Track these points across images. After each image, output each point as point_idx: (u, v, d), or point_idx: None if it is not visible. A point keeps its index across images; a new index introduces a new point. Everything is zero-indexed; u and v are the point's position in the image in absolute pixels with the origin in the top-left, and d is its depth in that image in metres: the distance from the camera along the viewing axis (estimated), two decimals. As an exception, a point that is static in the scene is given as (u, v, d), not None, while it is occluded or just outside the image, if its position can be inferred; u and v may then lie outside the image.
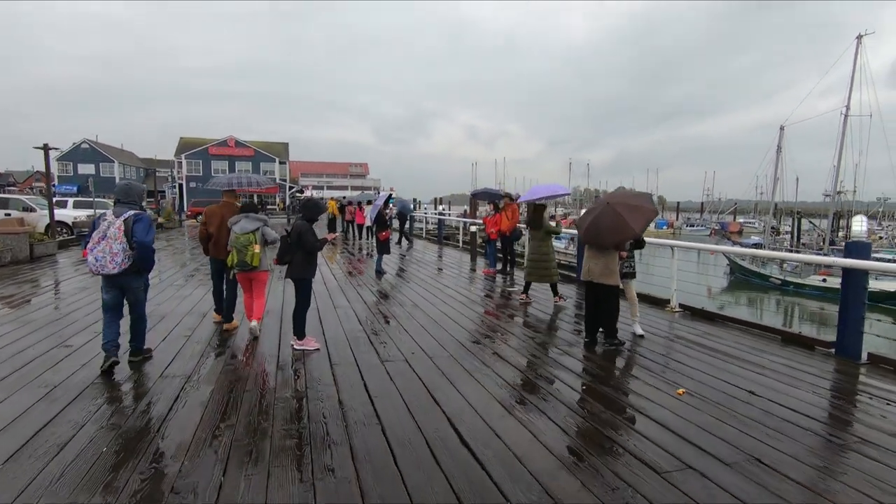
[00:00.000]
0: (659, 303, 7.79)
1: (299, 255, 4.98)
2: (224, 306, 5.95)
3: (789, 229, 46.33)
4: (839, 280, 5.08)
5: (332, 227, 23.67)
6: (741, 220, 74.38)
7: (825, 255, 27.99)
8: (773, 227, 59.25)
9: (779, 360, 5.04)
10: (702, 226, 70.08)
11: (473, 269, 11.75)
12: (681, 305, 7.37)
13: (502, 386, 4.18)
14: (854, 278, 4.89)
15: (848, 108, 37.55)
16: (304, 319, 5.13)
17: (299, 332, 5.09)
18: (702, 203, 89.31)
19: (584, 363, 4.83)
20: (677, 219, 79.26)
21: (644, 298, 7.86)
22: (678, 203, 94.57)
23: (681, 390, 4.13)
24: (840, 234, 38.90)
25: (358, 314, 6.71)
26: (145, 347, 4.78)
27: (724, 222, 71.57)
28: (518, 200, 8.26)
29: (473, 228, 13.96)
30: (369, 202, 20.60)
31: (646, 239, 7.19)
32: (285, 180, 57.81)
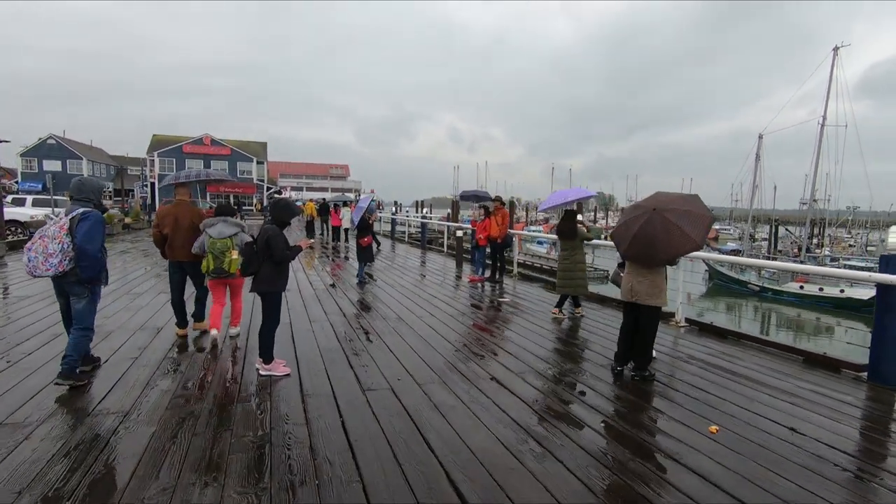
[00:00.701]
0: (661, 316, 7.27)
1: (267, 266, 4.25)
2: (197, 304, 5.69)
3: (765, 236, 47.17)
4: (816, 287, 4.61)
5: (310, 230, 22.83)
6: (717, 227, 76.10)
7: (801, 262, 28.30)
8: (750, 235, 60.56)
9: (807, 385, 4.52)
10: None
11: (459, 276, 11.11)
12: (687, 320, 6.85)
13: (507, 425, 3.53)
14: (892, 296, 4.40)
15: (824, 117, 38.26)
16: (273, 339, 4.40)
17: (266, 355, 4.36)
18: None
19: (604, 396, 4.20)
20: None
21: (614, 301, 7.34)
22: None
23: (714, 427, 3.55)
24: (814, 241, 39.68)
25: (336, 329, 5.99)
26: (79, 371, 4.03)
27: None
28: (540, 209, 7.53)
29: (459, 233, 13.35)
30: (345, 203, 19.81)
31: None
32: (263, 181, 56.36)
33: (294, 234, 24.93)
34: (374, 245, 16.69)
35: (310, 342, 5.43)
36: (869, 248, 40.20)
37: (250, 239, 4.80)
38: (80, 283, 3.88)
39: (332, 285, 9.11)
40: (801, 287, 23.64)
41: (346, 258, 14.38)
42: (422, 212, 43.98)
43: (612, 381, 4.51)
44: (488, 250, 10.46)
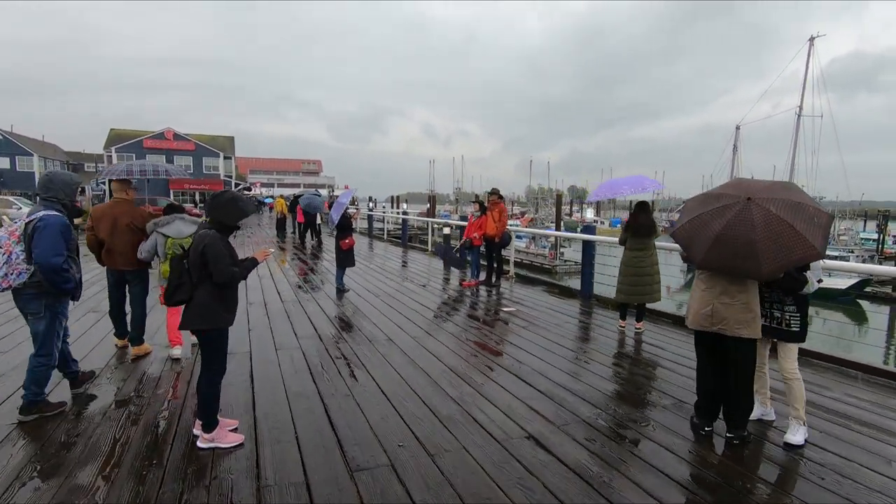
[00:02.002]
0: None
1: (204, 290, 2.91)
2: (134, 325, 4.69)
3: None
4: None
5: (281, 228, 21.21)
6: (689, 220, 77.33)
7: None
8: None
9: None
10: (652, 224, 72.16)
11: (447, 279, 9.86)
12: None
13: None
14: None
15: (801, 108, 38.47)
16: (217, 395, 3.07)
17: (207, 419, 3.01)
18: (652, 202, 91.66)
19: (693, 465, 3.01)
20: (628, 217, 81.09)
21: (662, 316, 6.28)
22: (630, 202, 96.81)
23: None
24: None
25: (310, 361, 4.65)
26: (41, 400, 3.40)
27: (673, 220, 74.04)
28: (589, 200, 6.08)
29: (446, 231, 12.09)
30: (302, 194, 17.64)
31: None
32: (231, 177, 53.78)
33: (264, 232, 23.03)
34: (314, 240, 15.25)
35: (273, 383, 4.09)
36: (841, 238, 40.66)
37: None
38: (36, 297, 3.28)
39: (300, 286, 7.73)
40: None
41: (314, 255, 12.96)
42: (400, 207, 42.48)
43: (698, 441, 3.29)
44: (483, 250, 9.23)
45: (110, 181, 5.17)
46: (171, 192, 48.53)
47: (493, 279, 9.13)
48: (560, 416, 3.59)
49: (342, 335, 5.56)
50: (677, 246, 3.45)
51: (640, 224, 5.74)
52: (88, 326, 5.64)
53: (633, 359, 5.00)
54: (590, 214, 61.86)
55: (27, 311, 3.34)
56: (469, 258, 9.28)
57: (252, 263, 3.12)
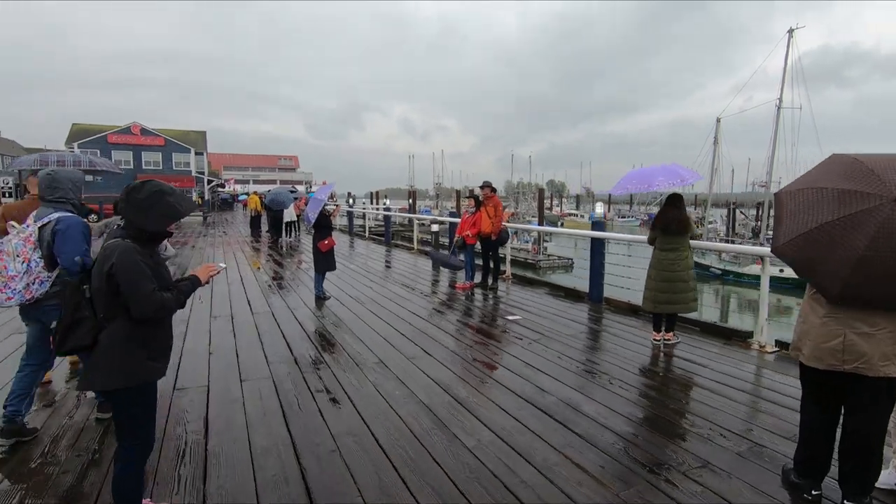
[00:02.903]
0: (719, 333, 5.45)
1: (113, 330, 1.97)
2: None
3: (712, 220, 48.23)
4: (777, 269, 2.93)
5: (255, 226, 20.02)
6: (665, 213, 78.05)
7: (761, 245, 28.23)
8: (700, 217, 61.82)
9: None
10: (632, 217, 72.65)
11: (437, 281, 8.99)
12: (778, 343, 5.03)
13: None
14: None
15: (781, 100, 38.65)
16: (138, 486, 2.13)
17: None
18: (630, 195, 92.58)
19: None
20: (609, 210, 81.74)
21: (688, 323, 5.53)
22: (609, 195, 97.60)
23: None
24: (758, 223, 40.53)
25: (284, 399, 3.71)
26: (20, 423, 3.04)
27: (651, 213, 74.73)
28: (614, 192, 5.03)
29: (435, 228, 11.19)
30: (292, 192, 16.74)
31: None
32: (203, 173, 51.71)
33: (237, 230, 21.59)
34: (283, 238, 14.13)
35: (235, 434, 3.15)
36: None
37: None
38: (58, 308, 2.71)
39: (273, 292, 6.75)
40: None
41: (289, 251, 11.93)
42: (381, 203, 41.28)
43: None
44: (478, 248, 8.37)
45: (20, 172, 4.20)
46: (140, 189, 46.39)
47: (490, 281, 8.29)
48: (609, 464, 2.75)
49: (323, 358, 4.63)
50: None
51: (670, 220, 4.89)
52: (10, 352, 4.59)
53: (680, 382, 4.20)
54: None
55: (44, 322, 3.07)
56: (462, 258, 8.41)
57: (191, 285, 2.19)
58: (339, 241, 16.79)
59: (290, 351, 4.78)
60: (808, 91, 37.72)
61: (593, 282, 7.10)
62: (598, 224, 7.12)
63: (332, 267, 7.35)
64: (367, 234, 18.20)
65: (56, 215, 2.97)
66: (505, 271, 9.06)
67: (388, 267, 10.73)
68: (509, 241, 8.59)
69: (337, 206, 7.27)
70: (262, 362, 4.49)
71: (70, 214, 3.02)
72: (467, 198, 8.46)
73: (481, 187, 8.23)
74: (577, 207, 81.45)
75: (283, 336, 5.33)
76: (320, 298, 7.18)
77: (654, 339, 5.14)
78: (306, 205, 8.30)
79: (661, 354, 4.84)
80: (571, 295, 7.65)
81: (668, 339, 5.06)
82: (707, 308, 16.34)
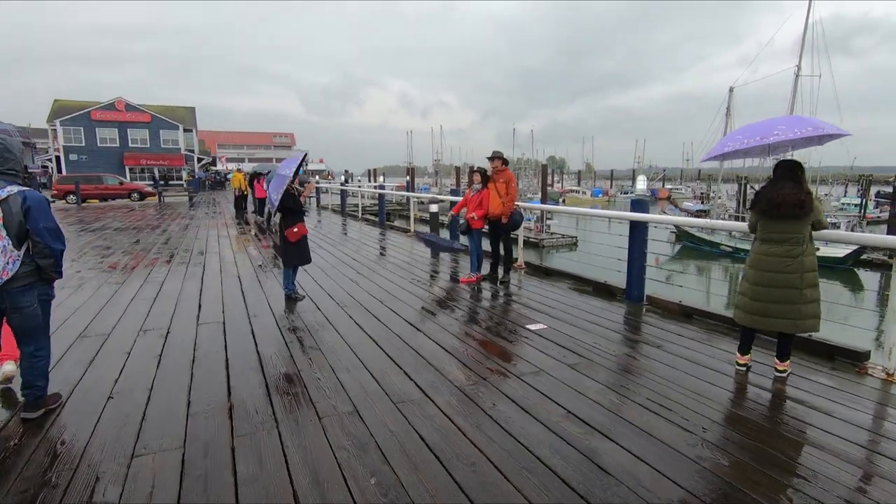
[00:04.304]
0: (814, 350, 4.01)
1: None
2: None
3: (719, 195, 46.82)
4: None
5: (239, 206, 18.53)
6: (669, 187, 76.71)
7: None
8: (702, 193, 60.09)
9: None
10: (634, 193, 71.27)
11: (437, 272, 7.57)
12: (914, 371, 3.60)
13: None
14: None
15: (799, 67, 36.65)
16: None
17: None
18: (633, 171, 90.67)
19: None
20: (611, 187, 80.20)
21: (761, 335, 4.07)
22: (612, 171, 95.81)
23: None
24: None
25: (241, 472, 2.33)
26: (51, 394, 3.10)
27: (654, 189, 73.42)
28: (706, 157, 3.24)
29: (434, 208, 9.68)
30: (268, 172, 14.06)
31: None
32: (193, 151, 49.79)
33: (224, 210, 19.83)
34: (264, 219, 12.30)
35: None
36: (832, 204, 39.95)
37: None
38: (29, 289, 2.87)
39: (238, 277, 5.33)
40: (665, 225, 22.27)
41: (261, 232, 10.49)
42: (376, 181, 39.50)
43: None
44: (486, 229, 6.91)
45: None
46: (127, 168, 44.61)
47: (501, 273, 6.85)
48: None
49: (272, 407, 3.19)
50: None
51: (780, 199, 3.33)
52: None
53: (794, 440, 2.79)
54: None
55: (18, 307, 2.86)
56: (467, 245, 6.94)
57: None
58: (331, 222, 15.32)
59: (229, 394, 3.34)
60: (829, 58, 35.46)
61: (632, 277, 5.65)
62: (639, 204, 5.62)
63: (306, 259, 5.88)
64: (360, 215, 16.68)
65: (15, 189, 2.81)
66: (517, 260, 7.61)
67: (381, 254, 9.27)
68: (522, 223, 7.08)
69: (309, 181, 5.76)
70: (216, 384, 3.12)
71: (28, 189, 2.87)
72: (472, 172, 6.92)
73: (490, 158, 6.70)
74: (579, 184, 79.51)
75: (242, 349, 3.94)
76: (292, 299, 5.76)
77: (739, 364, 3.71)
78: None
79: (759, 388, 3.42)
80: (601, 291, 6.22)
81: (779, 369, 3.60)
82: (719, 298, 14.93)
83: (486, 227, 6.81)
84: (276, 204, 5.42)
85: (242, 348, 4.17)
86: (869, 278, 19.97)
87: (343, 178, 49.95)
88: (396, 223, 16.78)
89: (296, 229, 5.63)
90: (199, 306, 5.50)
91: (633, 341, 4.44)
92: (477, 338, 4.50)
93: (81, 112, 44.06)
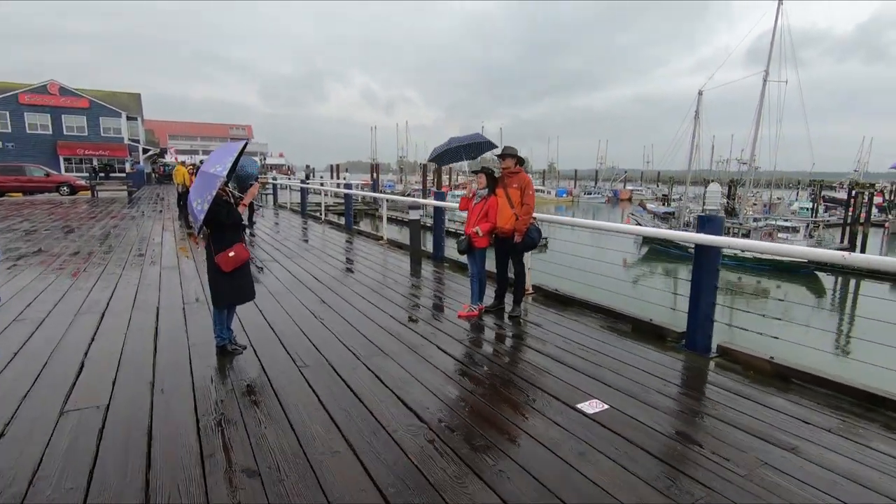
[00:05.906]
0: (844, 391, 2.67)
1: None
2: None
3: (677, 197, 47.22)
4: None
5: (184, 208, 16.17)
6: (630, 188, 77.97)
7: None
8: (664, 195, 60.87)
9: None
10: (598, 194, 71.88)
11: (420, 297, 5.95)
12: None
13: None
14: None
15: (767, 72, 36.91)
16: None
17: None
18: (596, 171, 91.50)
19: None
20: (575, 187, 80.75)
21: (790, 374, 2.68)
22: (575, 171, 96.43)
23: None
24: (724, 201, 39.48)
25: None
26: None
27: (615, 190, 74.32)
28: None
29: (415, 214, 8.01)
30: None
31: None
32: (138, 141, 45.90)
33: (165, 206, 17.01)
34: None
35: None
36: (791, 208, 40.95)
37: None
38: None
39: (158, 313, 3.53)
40: (742, 250, 22.01)
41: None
42: (341, 178, 37.13)
43: None
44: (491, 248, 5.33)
45: None
46: (61, 158, 40.46)
47: (510, 306, 5.30)
48: None
49: None
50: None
51: None
52: None
53: None
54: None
55: None
56: (474, 271, 5.33)
57: None
58: (290, 224, 13.30)
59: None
60: (795, 64, 35.84)
61: (697, 318, 4.19)
62: (710, 223, 4.14)
63: (246, 295, 4.10)
64: (323, 216, 14.76)
65: None
66: (527, 288, 6.05)
67: (348, 270, 7.54)
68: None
69: (252, 184, 4.00)
70: None
71: None
72: (474, 172, 5.33)
73: (500, 156, 5.13)
74: (543, 184, 79.19)
75: (157, 439, 2.18)
76: (226, 352, 4.00)
77: None
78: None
79: None
80: (645, 333, 4.75)
81: None
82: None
83: (493, 244, 5.25)
84: (201, 218, 3.60)
85: (122, 469, 2.42)
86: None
87: (304, 174, 47.22)
88: (364, 226, 15.00)
89: (231, 253, 3.85)
90: (80, 369, 3.66)
91: (741, 429, 2.96)
92: (503, 419, 2.90)
93: (7, 94, 39.59)
